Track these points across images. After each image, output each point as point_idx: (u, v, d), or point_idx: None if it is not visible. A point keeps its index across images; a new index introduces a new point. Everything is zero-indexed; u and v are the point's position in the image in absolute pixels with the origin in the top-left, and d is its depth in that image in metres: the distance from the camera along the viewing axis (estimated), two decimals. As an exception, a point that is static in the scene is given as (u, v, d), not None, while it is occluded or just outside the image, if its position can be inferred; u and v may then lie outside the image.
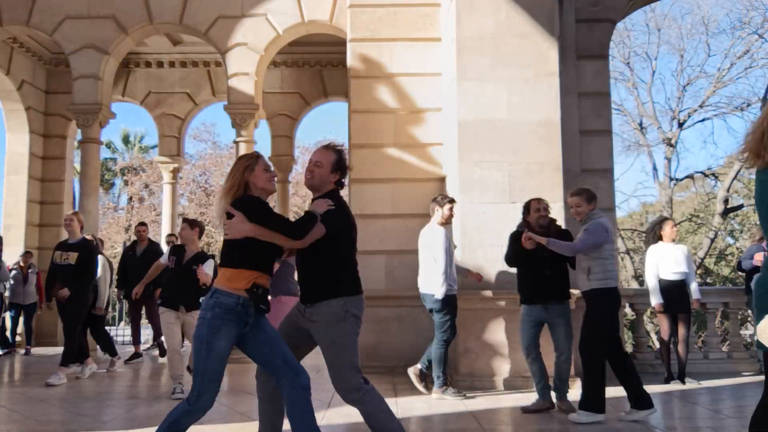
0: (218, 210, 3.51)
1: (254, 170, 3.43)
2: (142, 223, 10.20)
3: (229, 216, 3.35)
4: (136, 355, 9.25)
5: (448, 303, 6.13)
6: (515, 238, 5.59)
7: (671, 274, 7.16)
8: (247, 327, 3.35)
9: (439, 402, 6.00)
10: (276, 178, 3.55)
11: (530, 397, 5.99)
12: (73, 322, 7.16)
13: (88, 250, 7.24)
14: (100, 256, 7.96)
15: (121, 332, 14.50)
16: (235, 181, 3.42)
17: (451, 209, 6.32)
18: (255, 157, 3.51)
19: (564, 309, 5.54)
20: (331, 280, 3.53)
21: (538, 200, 5.73)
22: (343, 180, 3.67)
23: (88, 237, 7.58)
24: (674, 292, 7.14)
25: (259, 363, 3.48)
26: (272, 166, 3.61)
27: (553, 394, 5.55)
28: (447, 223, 6.36)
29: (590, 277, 5.16)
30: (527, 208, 5.71)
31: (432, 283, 6.11)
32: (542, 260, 5.43)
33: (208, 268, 6.36)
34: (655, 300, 7.20)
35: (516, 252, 5.59)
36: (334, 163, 3.59)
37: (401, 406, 5.67)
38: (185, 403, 3.34)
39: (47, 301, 7.89)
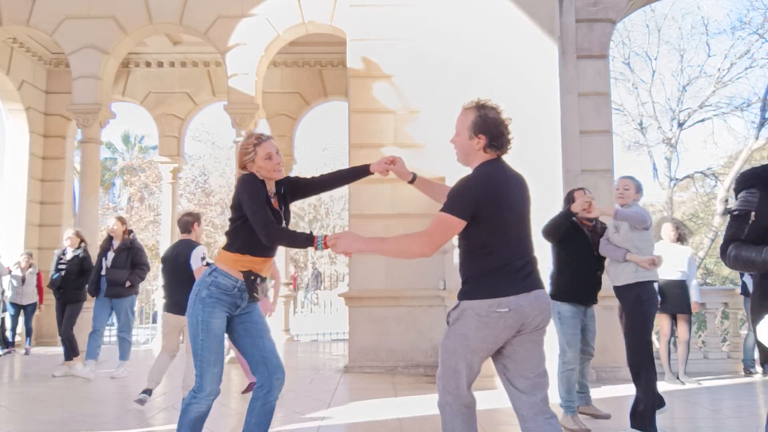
0: None
1: (255, 161, 3.24)
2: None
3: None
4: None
5: None
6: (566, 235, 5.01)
7: (671, 274, 7.16)
8: (237, 310, 3.29)
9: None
10: (281, 164, 3.29)
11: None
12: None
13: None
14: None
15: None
16: (239, 165, 3.30)
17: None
18: (254, 145, 3.24)
19: (593, 311, 5.24)
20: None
21: (583, 190, 5.20)
22: (496, 143, 2.97)
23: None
24: (673, 291, 7.14)
25: (240, 350, 3.41)
26: (275, 148, 3.30)
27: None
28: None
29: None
30: (570, 199, 5.20)
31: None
32: (597, 259, 5.03)
33: (195, 258, 5.97)
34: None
35: (562, 227, 4.94)
36: (472, 125, 2.92)
37: (401, 406, 5.67)
38: (190, 393, 3.30)
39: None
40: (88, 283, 7.83)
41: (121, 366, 7.79)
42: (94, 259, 8.05)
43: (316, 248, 3.09)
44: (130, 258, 7.70)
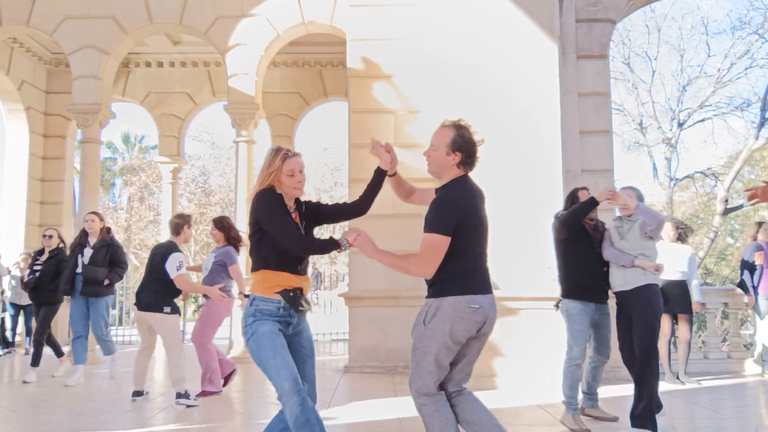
0: None
1: (280, 179, 3.22)
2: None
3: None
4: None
5: None
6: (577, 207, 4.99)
7: (671, 274, 7.15)
8: (291, 328, 3.22)
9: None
10: (302, 182, 3.27)
11: (529, 397, 5.99)
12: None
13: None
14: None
15: (121, 331, 14.50)
16: (261, 181, 3.26)
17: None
18: (282, 160, 3.21)
19: (608, 309, 5.19)
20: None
21: (587, 189, 5.28)
22: (468, 160, 3.21)
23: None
24: (674, 291, 7.14)
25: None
26: (301, 165, 3.27)
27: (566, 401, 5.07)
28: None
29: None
30: (574, 198, 5.22)
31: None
32: (600, 256, 5.01)
33: (170, 266, 6.09)
34: None
35: (582, 218, 4.95)
36: (450, 143, 3.16)
37: (401, 406, 5.66)
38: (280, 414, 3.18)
39: None
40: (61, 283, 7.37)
41: (114, 361, 7.60)
42: None
43: (341, 250, 3.19)
44: (109, 255, 7.27)
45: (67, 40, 9.61)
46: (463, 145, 3.19)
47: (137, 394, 6.19)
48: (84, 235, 7.36)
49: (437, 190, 3.23)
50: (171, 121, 13.20)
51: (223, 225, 6.77)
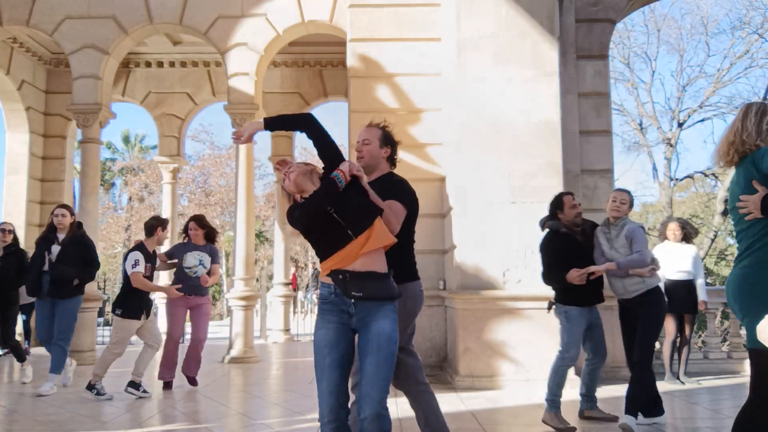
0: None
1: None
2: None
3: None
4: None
5: None
6: (556, 247, 5.04)
7: (676, 274, 7.14)
8: (353, 319, 2.88)
9: (439, 402, 5.97)
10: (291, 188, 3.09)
11: (530, 397, 5.99)
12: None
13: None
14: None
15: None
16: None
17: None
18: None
19: (597, 310, 5.21)
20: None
21: (572, 195, 5.22)
22: (395, 157, 3.56)
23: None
24: (680, 291, 7.12)
25: None
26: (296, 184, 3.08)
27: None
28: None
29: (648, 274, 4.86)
30: (559, 204, 5.14)
31: None
32: (591, 261, 4.99)
33: (128, 262, 6.32)
34: None
35: (560, 264, 4.99)
36: (381, 138, 3.50)
37: (401, 406, 5.66)
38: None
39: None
40: (25, 282, 6.74)
41: (51, 381, 6.53)
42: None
43: (339, 188, 2.87)
44: (81, 254, 6.64)
45: (67, 40, 9.60)
46: (392, 142, 3.52)
47: (133, 385, 6.34)
48: (51, 230, 6.67)
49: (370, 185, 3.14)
50: (171, 121, 13.20)
51: (204, 223, 6.91)
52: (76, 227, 6.72)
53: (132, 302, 6.27)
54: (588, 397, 5.23)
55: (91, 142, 9.71)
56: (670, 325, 7.20)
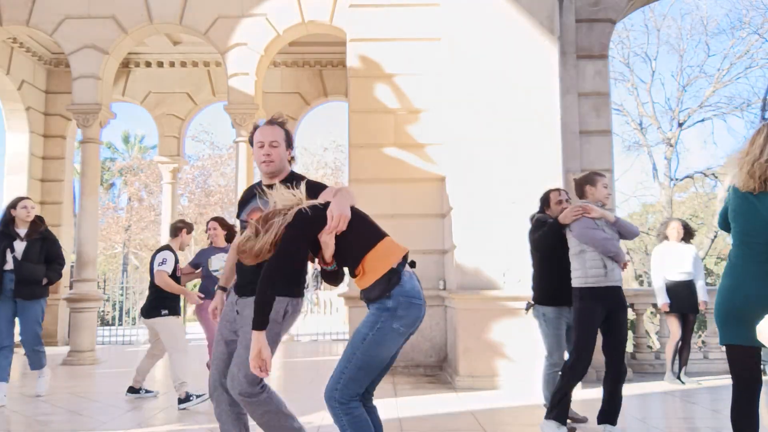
0: None
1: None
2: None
3: None
4: None
5: None
6: (546, 226, 4.91)
7: (677, 274, 7.13)
8: None
9: (439, 402, 5.99)
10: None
11: (530, 397, 5.99)
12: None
13: None
14: None
15: (120, 331, 14.50)
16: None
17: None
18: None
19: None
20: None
21: (558, 191, 5.21)
22: (293, 157, 3.28)
23: None
24: (681, 292, 7.11)
25: None
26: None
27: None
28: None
29: (608, 274, 4.60)
30: (546, 200, 5.20)
31: None
32: (567, 257, 4.80)
33: (156, 261, 6.22)
34: (661, 300, 7.16)
35: (551, 242, 4.88)
36: (286, 138, 3.22)
37: (401, 406, 5.67)
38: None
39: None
40: None
41: (43, 377, 6.37)
42: None
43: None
44: (45, 250, 6.19)
45: (67, 40, 9.61)
46: (292, 142, 3.27)
47: (132, 390, 6.31)
48: (7, 224, 6.09)
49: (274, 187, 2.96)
50: (171, 121, 13.20)
51: (225, 223, 6.87)
52: (39, 222, 6.26)
53: (171, 301, 6.14)
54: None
55: (91, 142, 9.71)
56: (674, 325, 7.19)
